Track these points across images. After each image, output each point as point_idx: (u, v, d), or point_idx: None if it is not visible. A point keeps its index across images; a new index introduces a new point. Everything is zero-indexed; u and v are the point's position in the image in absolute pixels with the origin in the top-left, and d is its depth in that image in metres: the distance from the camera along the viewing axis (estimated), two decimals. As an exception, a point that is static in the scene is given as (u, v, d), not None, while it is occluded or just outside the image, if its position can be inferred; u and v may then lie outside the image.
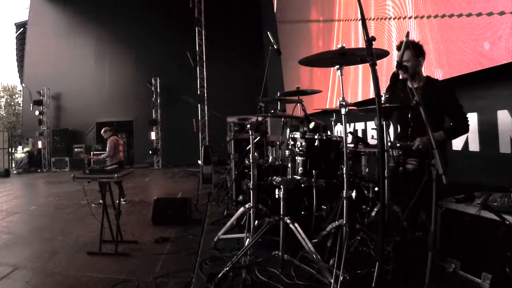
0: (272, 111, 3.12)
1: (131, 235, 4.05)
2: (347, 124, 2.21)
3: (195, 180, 8.21)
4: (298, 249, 2.28)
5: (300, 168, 2.48)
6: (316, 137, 2.46)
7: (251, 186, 2.65)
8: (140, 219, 4.93)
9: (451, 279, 2.02)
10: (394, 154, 2.31)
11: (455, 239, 2.11)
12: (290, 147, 2.58)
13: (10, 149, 13.88)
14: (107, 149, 6.31)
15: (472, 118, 2.74)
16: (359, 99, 4.71)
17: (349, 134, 2.61)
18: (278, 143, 3.24)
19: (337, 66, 2.09)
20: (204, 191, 5.89)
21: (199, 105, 12.36)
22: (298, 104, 2.98)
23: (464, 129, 2.46)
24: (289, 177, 2.52)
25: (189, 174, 10.39)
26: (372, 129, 4.75)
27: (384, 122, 2.05)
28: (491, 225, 1.84)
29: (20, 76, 16.45)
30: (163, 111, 13.62)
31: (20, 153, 13.90)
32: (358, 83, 4.75)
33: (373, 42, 1.52)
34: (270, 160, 3.27)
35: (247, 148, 3.15)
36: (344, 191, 2.03)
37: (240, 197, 3.76)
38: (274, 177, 2.47)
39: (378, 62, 1.51)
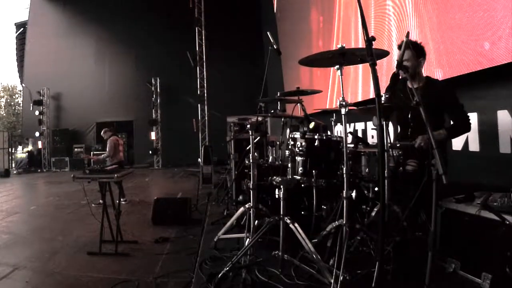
0: (272, 111, 3.12)
1: (131, 235, 4.05)
2: (347, 124, 2.21)
3: (195, 180, 8.21)
4: (298, 249, 2.28)
5: (300, 168, 2.48)
6: (316, 137, 2.46)
7: (251, 186, 2.65)
8: (140, 219, 4.93)
9: (451, 279, 2.02)
10: (394, 154, 2.31)
11: (455, 239, 2.10)
12: (290, 147, 2.58)
13: (10, 149, 13.88)
14: (107, 149, 6.31)
15: (472, 118, 2.74)
16: (359, 99, 4.71)
17: (349, 134, 2.61)
18: (278, 143, 3.24)
19: (337, 66, 2.09)
20: (204, 191, 5.89)
21: (199, 105, 12.37)
22: (298, 104, 2.98)
23: (466, 127, 2.44)
24: (289, 177, 2.52)
25: (189, 174, 10.39)
26: (372, 129, 4.76)
27: (384, 122, 2.05)
28: (491, 225, 1.84)
29: (20, 76, 16.46)
30: (163, 111, 13.62)
31: (21, 153, 13.89)
32: (358, 83, 4.75)
33: (373, 42, 1.52)
34: (270, 160, 3.27)
35: (247, 148, 3.15)
36: (344, 191, 2.03)
37: (240, 197, 3.76)
38: (274, 177, 2.46)
39: (378, 62, 1.51)
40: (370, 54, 1.46)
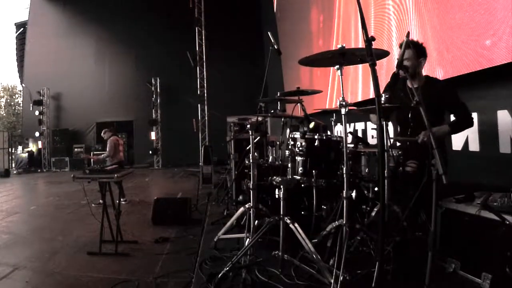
0: (272, 111, 3.12)
1: (131, 235, 4.05)
2: (347, 124, 2.21)
3: (195, 180, 8.21)
4: (298, 249, 2.28)
5: (300, 168, 2.48)
6: (316, 137, 2.46)
7: (251, 186, 2.64)
8: (140, 219, 4.93)
9: (451, 279, 2.02)
10: (394, 154, 2.31)
11: (455, 239, 2.10)
12: (290, 147, 2.58)
13: (10, 149, 13.88)
14: (107, 149, 6.31)
15: (472, 118, 2.74)
16: (359, 99, 4.71)
17: (349, 134, 2.61)
18: (278, 143, 3.23)
19: (337, 66, 2.09)
20: (204, 191, 5.89)
21: (199, 105, 12.37)
22: (298, 104, 2.98)
23: (468, 122, 2.42)
24: (289, 177, 2.52)
25: (189, 174, 10.39)
26: (372, 129, 4.76)
27: (384, 122, 2.05)
28: (491, 225, 1.84)
29: (20, 76, 16.45)
30: (163, 111, 13.62)
31: (23, 152, 13.87)
32: (358, 83, 4.75)
33: (373, 42, 1.52)
34: (270, 160, 3.27)
35: (247, 148, 3.15)
36: (344, 191, 2.03)
37: (240, 197, 3.76)
38: (274, 177, 2.46)
39: (378, 62, 1.51)
40: (370, 54, 1.46)
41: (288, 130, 3.06)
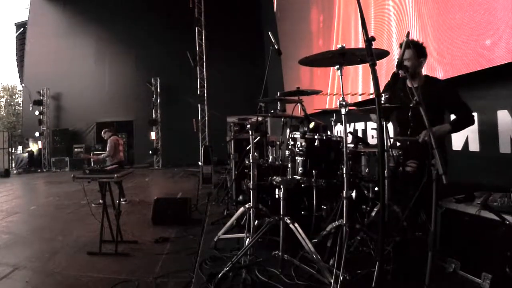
0: (272, 111, 3.12)
1: (131, 235, 4.05)
2: (347, 124, 2.21)
3: (195, 180, 8.21)
4: (298, 249, 2.28)
5: (300, 168, 2.48)
6: (316, 137, 2.46)
7: (251, 186, 2.64)
8: (140, 219, 4.93)
9: (451, 279, 2.02)
10: (394, 154, 2.31)
11: (455, 239, 2.10)
12: (290, 147, 2.58)
13: (10, 149, 13.88)
14: (107, 149, 6.32)
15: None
16: (359, 99, 4.71)
17: (349, 134, 2.60)
18: (278, 143, 3.23)
19: (337, 66, 2.09)
20: (204, 191, 5.89)
21: (199, 105, 12.37)
22: (298, 104, 2.98)
23: (469, 120, 2.41)
24: (289, 177, 2.52)
25: (189, 174, 10.39)
26: (372, 129, 4.76)
27: (384, 122, 2.05)
28: (491, 225, 1.84)
29: (20, 76, 16.44)
30: (163, 111, 13.62)
31: (23, 152, 13.87)
32: (358, 83, 4.75)
33: (373, 42, 1.52)
34: (270, 160, 3.27)
35: (247, 148, 3.15)
36: (344, 191, 2.03)
37: (240, 197, 3.76)
38: (274, 177, 2.46)
39: (378, 62, 1.50)
40: (370, 54, 1.46)
41: (288, 130, 3.06)
